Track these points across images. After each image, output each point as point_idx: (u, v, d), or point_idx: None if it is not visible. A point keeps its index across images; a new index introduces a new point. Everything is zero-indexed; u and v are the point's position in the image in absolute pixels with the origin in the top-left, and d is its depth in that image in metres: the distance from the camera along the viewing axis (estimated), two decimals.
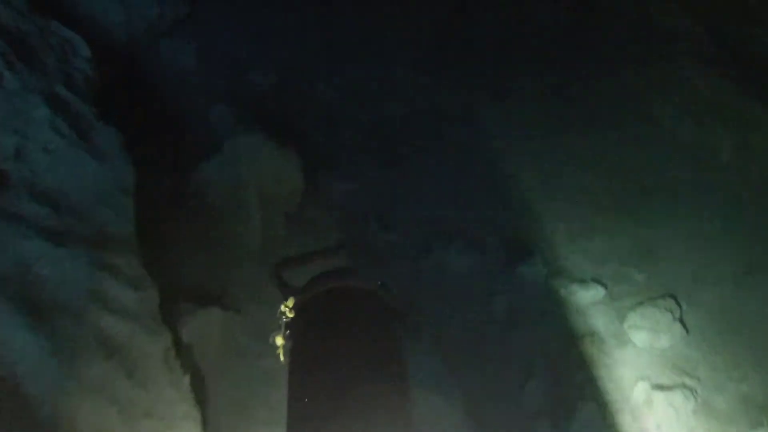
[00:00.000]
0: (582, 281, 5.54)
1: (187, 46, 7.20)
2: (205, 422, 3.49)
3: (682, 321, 5.19)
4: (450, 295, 5.39)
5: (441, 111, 7.24)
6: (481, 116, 7.00)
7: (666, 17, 6.05)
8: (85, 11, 6.13)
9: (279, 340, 1.51)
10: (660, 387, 4.75)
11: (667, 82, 6.40)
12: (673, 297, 5.33)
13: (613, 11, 6.61)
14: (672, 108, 6.35)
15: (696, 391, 4.72)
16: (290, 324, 1.47)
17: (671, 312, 5.16)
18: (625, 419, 4.65)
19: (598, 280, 5.57)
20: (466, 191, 6.35)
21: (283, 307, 1.50)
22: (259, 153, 5.18)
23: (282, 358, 1.51)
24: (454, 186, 6.38)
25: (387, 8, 8.36)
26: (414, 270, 5.55)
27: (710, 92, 6.16)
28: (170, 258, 4.65)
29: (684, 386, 4.75)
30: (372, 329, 1.40)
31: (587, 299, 5.45)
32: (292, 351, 1.44)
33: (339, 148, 6.60)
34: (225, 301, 4.49)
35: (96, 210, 3.54)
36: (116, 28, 6.47)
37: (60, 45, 4.49)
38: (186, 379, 3.32)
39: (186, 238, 4.98)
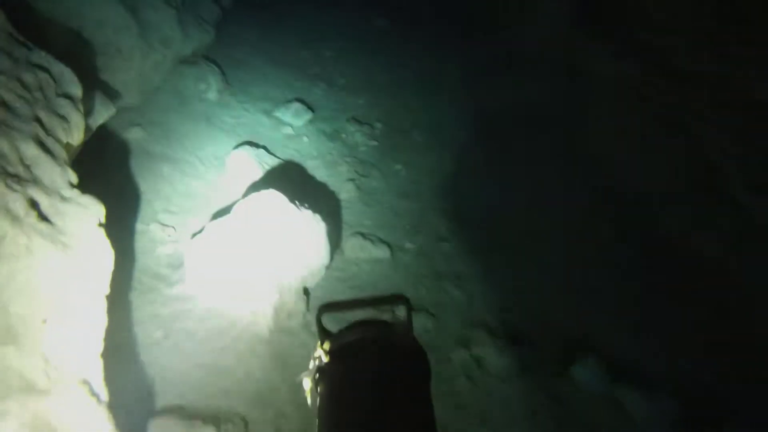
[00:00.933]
0: (650, 389, 4.32)
1: (210, 75, 6.02)
2: None
3: None
4: (488, 401, 4.20)
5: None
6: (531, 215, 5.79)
7: (714, 149, 5.02)
8: (90, 34, 4.96)
9: (308, 383, 1.33)
10: None
11: (714, 212, 5.27)
12: None
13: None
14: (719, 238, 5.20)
15: None
16: (323, 368, 1.31)
17: None
18: None
19: (670, 389, 4.36)
20: (512, 277, 5.15)
21: (318, 351, 1.32)
22: (278, 221, 3.97)
23: (309, 401, 1.34)
24: (498, 269, 5.18)
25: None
26: (447, 366, 4.37)
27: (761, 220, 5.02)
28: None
29: None
30: (404, 384, 1.28)
31: (656, 413, 4.24)
32: (322, 396, 1.30)
33: (373, 210, 5.39)
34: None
35: (42, 340, 2.35)
36: (130, 52, 5.28)
37: (39, 82, 3.33)
38: None
39: (180, 329, 3.82)
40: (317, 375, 1.32)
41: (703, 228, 5.58)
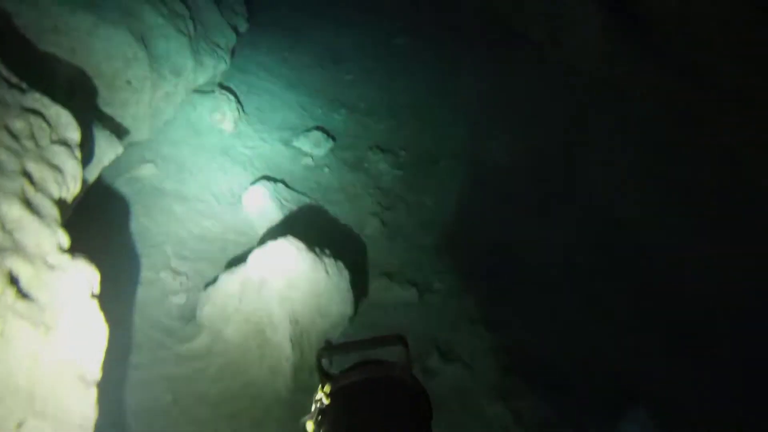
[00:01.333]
0: None
1: (225, 104, 5.63)
2: None
3: None
4: None
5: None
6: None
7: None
8: (97, 67, 4.59)
9: (310, 425, 1.32)
10: None
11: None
12: None
13: None
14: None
15: None
16: (324, 410, 1.30)
17: None
18: None
19: None
20: (546, 314, 4.69)
21: (319, 392, 1.31)
22: (297, 272, 3.55)
23: None
24: (531, 307, 4.72)
25: None
26: (483, 421, 3.93)
27: None
28: None
29: None
30: (405, 424, 1.28)
31: None
32: None
33: (399, 247, 4.95)
34: None
35: None
36: (140, 84, 4.91)
37: (31, 129, 2.95)
38: None
39: (191, 392, 3.41)
40: (319, 417, 1.30)
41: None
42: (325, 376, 1.32)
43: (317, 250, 3.66)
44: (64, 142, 3.11)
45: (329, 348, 1.39)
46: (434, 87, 6.81)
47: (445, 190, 5.63)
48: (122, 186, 4.57)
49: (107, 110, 4.77)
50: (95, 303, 2.45)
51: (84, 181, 3.51)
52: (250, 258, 3.64)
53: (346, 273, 3.76)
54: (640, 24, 6.12)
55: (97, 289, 2.50)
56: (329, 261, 3.67)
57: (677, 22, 6.00)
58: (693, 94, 5.81)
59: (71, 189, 3.00)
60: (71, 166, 3.04)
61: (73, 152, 3.12)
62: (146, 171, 4.80)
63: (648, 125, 6.01)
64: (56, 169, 2.93)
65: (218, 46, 5.90)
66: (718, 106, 5.63)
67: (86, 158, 3.73)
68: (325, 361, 1.36)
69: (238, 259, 3.97)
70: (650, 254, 5.22)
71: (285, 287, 3.53)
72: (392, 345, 1.35)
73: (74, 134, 3.21)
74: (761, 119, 5.30)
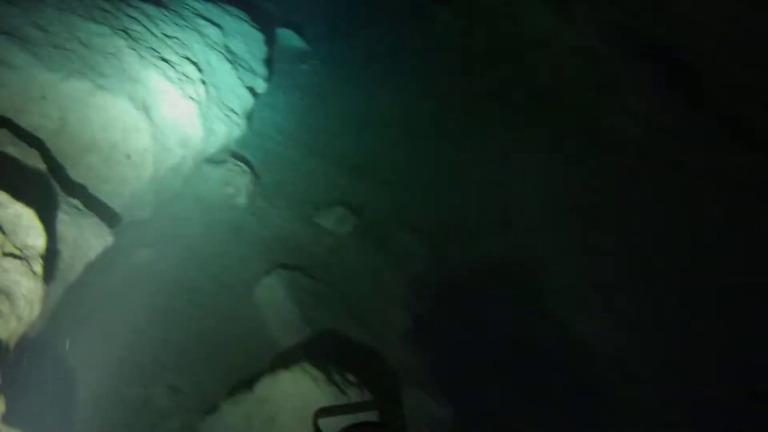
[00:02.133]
0: None
1: (239, 176, 4.95)
2: None
3: None
4: None
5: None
6: None
7: None
8: (92, 140, 3.94)
9: None
10: None
11: None
12: None
13: None
14: None
15: None
16: None
17: None
18: None
19: None
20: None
21: None
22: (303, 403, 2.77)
23: None
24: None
25: None
26: None
27: None
28: None
29: None
30: None
31: None
32: None
33: (431, 345, 4.17)
34: None
35: None
36: (141, 157, 4.25)
37: None
38: None
39: None
40: None
41: None
42: None
43: (338, 378, 2.88)
44: (21, 253, 2.40)
45: (326, 409, 1.39)
46: (477, 153, 6.05)
47: (487, 272, 4.84)
48: (113, 277, 3.85)
49: (103, 188, 4.09)
50: None
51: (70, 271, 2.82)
52: (258, 387, 2.88)
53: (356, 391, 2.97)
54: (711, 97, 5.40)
55: None
56: (353, 392, 2.88)
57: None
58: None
59: (23, 317, 2.29)
60: (26, 286, 2.33)
61: (31, 266, 2.41)
62: (143, 257, 4.10)
63: None
64: (2, 294, 2.21)
65: (232, 110, 5.23)
66: None
67: (66, 256, 3.05)
68: (322, 423, 1.33)
69: (246, 379, 3.21)
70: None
71: (299, 428, 2.75)
72: (388, 407, 1.16)
73: (37, 240, 2.52)
74: None
